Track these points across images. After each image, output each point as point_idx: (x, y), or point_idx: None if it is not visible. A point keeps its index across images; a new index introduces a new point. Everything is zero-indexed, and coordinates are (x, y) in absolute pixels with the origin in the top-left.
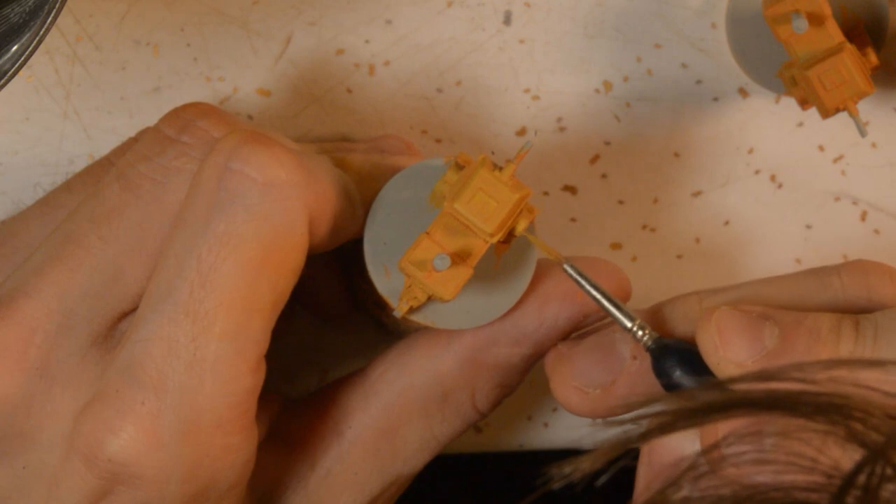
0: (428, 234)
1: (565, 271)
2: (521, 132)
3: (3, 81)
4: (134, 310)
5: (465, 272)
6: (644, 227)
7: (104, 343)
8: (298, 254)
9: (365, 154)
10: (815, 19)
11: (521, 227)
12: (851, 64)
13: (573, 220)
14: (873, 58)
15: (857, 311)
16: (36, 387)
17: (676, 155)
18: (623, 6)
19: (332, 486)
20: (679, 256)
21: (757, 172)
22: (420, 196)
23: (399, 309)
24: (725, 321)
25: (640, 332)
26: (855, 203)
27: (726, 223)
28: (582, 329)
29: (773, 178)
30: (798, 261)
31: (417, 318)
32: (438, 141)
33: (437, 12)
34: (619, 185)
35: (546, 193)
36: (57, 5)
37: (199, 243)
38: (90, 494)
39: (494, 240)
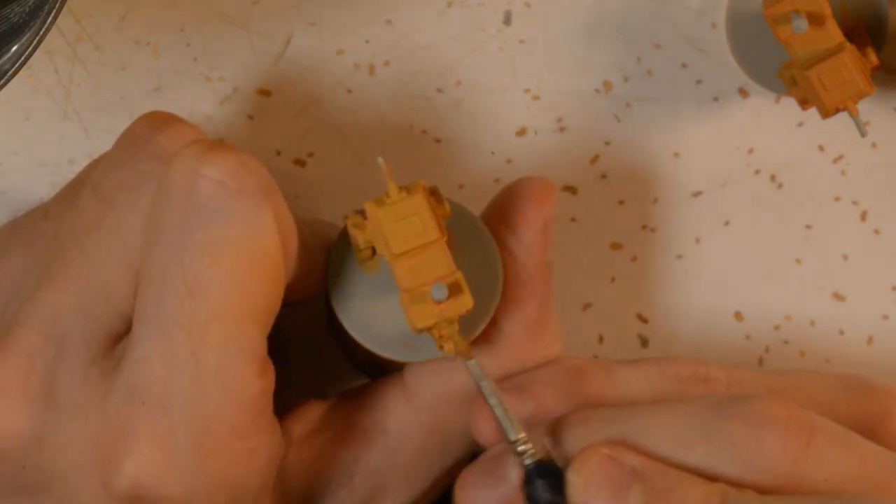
0: (406, 292)
1: (468, 369)
2: (522, 132)
3: (3, 81)
4: (128, 326)
5: (458, 276)
6: (644, 227)
7: (103, 362)
8: (279, 255)
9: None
10: (815, 19)
11: (443, 210)
12: (851, 64)
13: (573, 220)
14: (873, 58)
15: (741, 470)
16: (44, 417)
17: (676, 155)
18: (623, 6)
19: (379, 484)
20: (679, 256)
21: (757, 172)
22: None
23: (450, 352)
24: (595, 474)
25: (520, 447)
26: (855, 203)
27: (726, 223)
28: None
29: (773, 178)
30: (798, 261)
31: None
32: (438, 141)
33: (437, 12)
34: (619, 185)
35: None
36: (57, 5)
37: (181, 253)
38: None
39: (444, 238)
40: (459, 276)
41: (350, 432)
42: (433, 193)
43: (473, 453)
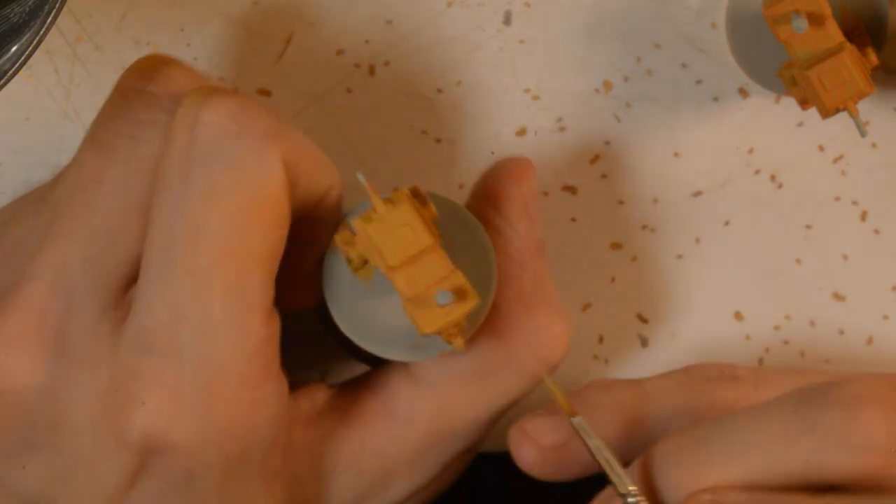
0: (408, 302)
1: (571, 425)
2: (521, 132)
3: (3, 81)
4: (136, 274)
5: (457, 275)
6: (644, 227)
7: (113, 313)
8: (282, 200)
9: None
10: (815, 19)
11: (430, 212)
12: (851, 64)
13: (573, 220)
14: (873, 58)
15: (849, 454)
16: (57, 371)
17: (676, 155)
18: (623, 6)
19: (388, 469)
20: (679, 256)
21: (757, 172)
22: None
23: (459, 347)
24: None
25: (630, 500)
26: (855, 203)
27: (726, 223)
28: None
29: (773, 178)
30: (798, 261)
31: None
32: (438, 141)
33: (437, 12)
34: (619, 185)
35: (546, 193)
36: (57, 5)
37: (183, 201)
38: (128, 472)
39: (437, 241)
40: (460, 275)
41: (355, 415)
42: (416, 195)
43: (483, 453)
